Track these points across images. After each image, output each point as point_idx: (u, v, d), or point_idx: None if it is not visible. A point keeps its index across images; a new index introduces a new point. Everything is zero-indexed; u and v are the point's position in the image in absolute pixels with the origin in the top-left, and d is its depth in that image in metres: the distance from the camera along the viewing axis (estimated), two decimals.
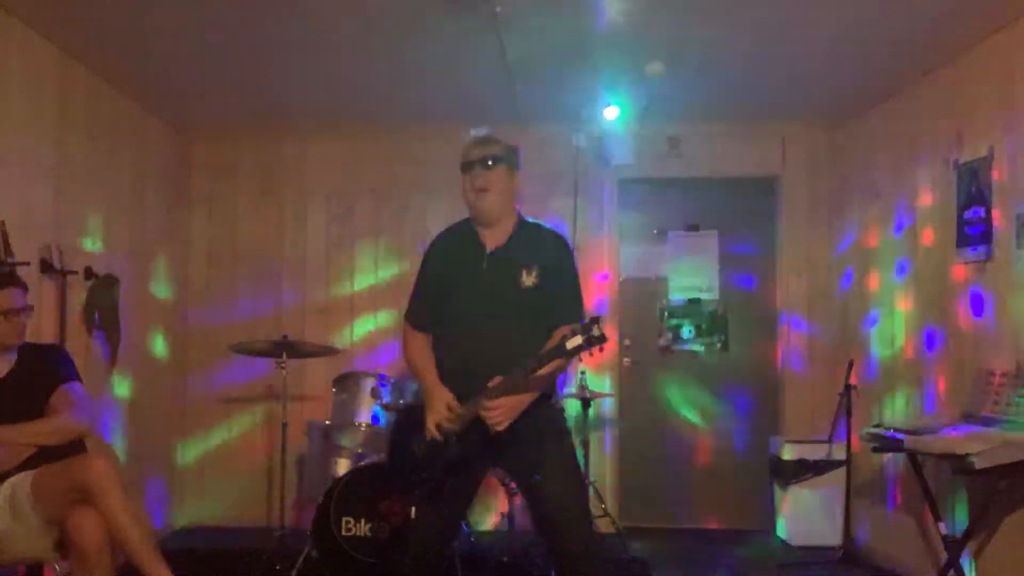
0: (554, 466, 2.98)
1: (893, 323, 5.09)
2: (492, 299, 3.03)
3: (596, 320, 2.74)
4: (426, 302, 3.19)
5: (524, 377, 2.84)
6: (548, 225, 3.23)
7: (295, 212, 6.14)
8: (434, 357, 3.12)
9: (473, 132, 3.20)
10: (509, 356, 2.88)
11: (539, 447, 2.99)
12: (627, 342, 6.15)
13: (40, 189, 4.29)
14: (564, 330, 2.81)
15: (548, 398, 3.08)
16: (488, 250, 3.10)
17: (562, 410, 3.20)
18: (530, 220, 3.21)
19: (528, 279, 3.02)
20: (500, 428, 2.87)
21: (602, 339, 2.70)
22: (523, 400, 2.90)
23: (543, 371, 2.85)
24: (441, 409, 2.97)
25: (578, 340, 2.69)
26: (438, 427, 2.98)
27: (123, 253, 5.14)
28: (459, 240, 3.18)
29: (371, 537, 4.44)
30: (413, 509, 3.10)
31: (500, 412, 2.88)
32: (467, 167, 3.10)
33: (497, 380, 2.86)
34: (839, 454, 5.36)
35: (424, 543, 3.11)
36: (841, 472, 5.34)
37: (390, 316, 6.06)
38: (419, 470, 3.06)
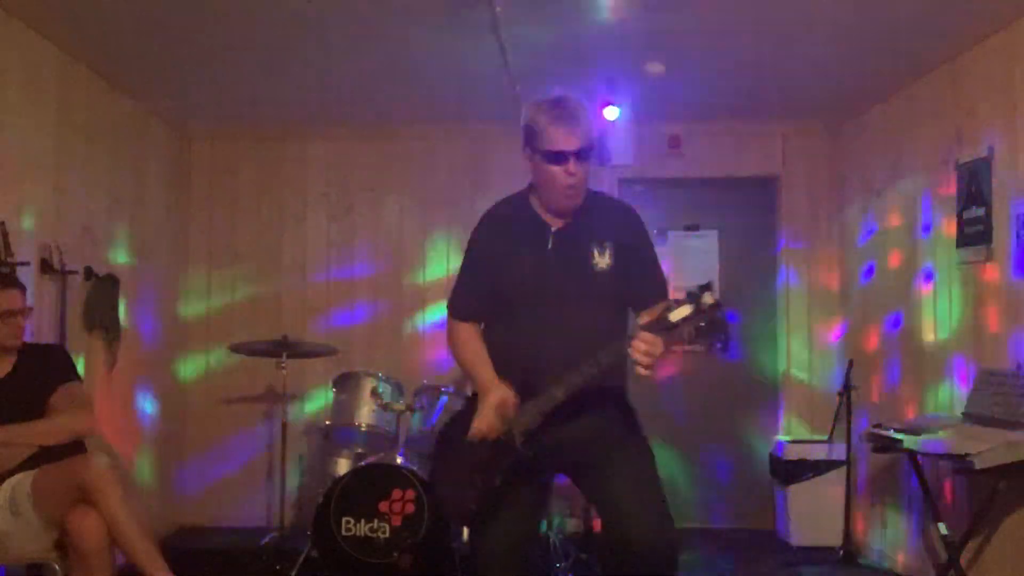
0: (627, 469, 2.57)
1: (892, 322, 5.08)
2: (560, 284, 2.62)
3: (706, 286, 2.28)
4: (475, 289, 2.76)
5: (609, 363, 2.44)
6: (615, 196, 2.83)
7: (295, 212, 6.14)
8: (492, 353, 2.70)
9: (551, 97, 2.64)
10: (582, 349, 2.48)
11: (612, 448, 2.60)
12: None
13: (40, 189, 4.29)
14: (656, 310, 2.43)
15: (618, 392, 2.71)
16: (552, 228, 2.67)
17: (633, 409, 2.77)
18: (595, 190, 2.78)
19: (601, 260, 2.63)
20: (646, 372, 2.38)
21: (716, 308, 2.26)
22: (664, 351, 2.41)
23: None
24: (490, 414, 2.56)
25: (685, 310, 2.26)
26: (480, 433, 2.58)
27: (123, 253, 5.13)
28: (516, 218, 2.74)
29: (371, 537, 4.44)
30: (465, 531, 2.76)
31: (651, 351, 2.37)
32: (557, 158, 2.57)
33: (646, 319, 2.42)
34: (839, 454, 5.36)
35: (491, 565, 2.68)
36: (841, 472, 5.34)
37: (390, 316, 6.06)
38: (474, 482, 2.62)
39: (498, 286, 2.69)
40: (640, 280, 2.66)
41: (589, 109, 2.65)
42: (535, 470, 2.63)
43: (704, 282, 2.29)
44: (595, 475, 2.60)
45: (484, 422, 2.56)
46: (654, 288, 2.67)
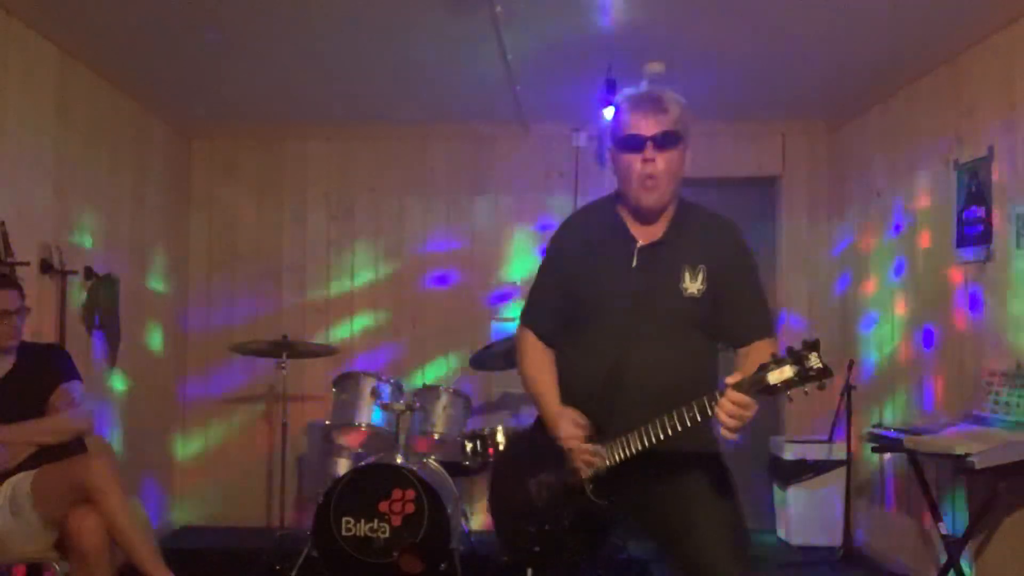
0: (713, 519, 2.33)
1: (892, 323, 5.09)
2: (645, 308, 2.32)
3: (813, 346, 1.97)
4: (550, 304, 2.49)
5: (693, 419, 2.14)
6: (714, 211, 2.48)
7: (295, 212, 6.14)
8: (559, 377, 2.47)
9: (632, 90, 2.39)
10: (667, 383, 2.27)
11: (695, 497, 2.34)
12: None
13: (40, 189, 4.29)
14: (758, 348, 2.25)
15: (709, 449, 2.40)
16: (640, 243, 2.37)
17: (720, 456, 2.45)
18: (692, 203, 2.47)
19: (693, 284, 2.33)
20: (731, 436, 2.11)
21: (825, 373, 1.96)
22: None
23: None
24: (575, 432, 2.32)
25: (787, 372, 1.98)
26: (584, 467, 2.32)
27: (123, 253, 5.13)
28: (600, 228, 2.43)
29: (371, 537, 4.44)
30: (529, 571, 2.58)
31: (745, 415, 2.07)
32: (632, 143, 2.29)
33: (738, 377, 2.09)
34: (839, 454, 5.36)
35: None
36: (841, 472, 5.33)
37: (390, 316, 6.06)
38: (539, 522, 2.42)
39: (574, 304, 2.42)
40: (734, 313, 2.35)
41: (680, 102, 2.36)
42: (603, 518, 2.41)
43: (811, 339, 2.01)
44: (678, 528, 2.33)
45: (583, 456, 2.31)
46: (751, 324, 2.35)
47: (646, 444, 2.22)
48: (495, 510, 2.63)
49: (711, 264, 2.34)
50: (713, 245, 2.38)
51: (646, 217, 2.38)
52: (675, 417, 2.16)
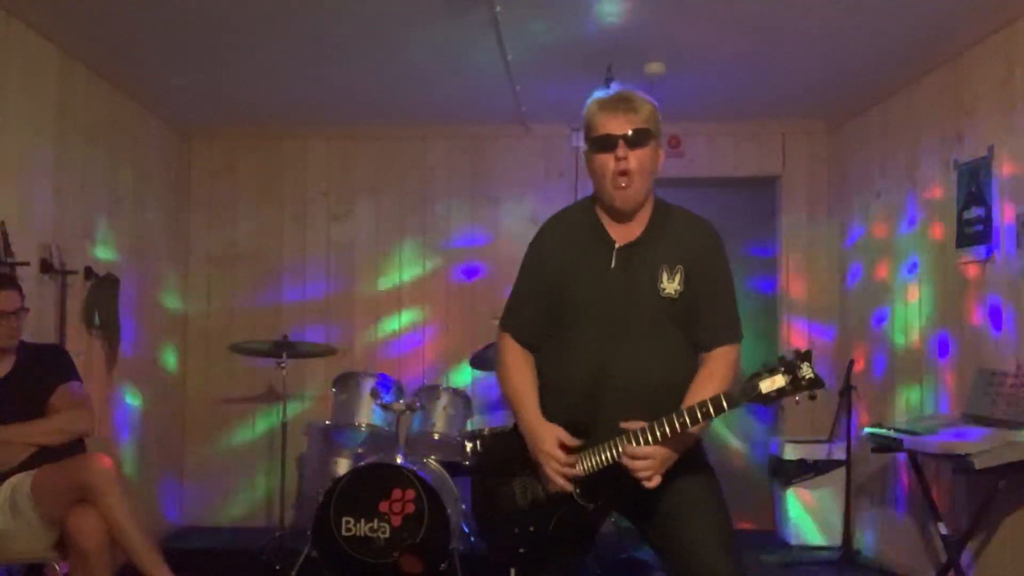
0: (700, 512, 2.34)
1: (892, 323, 5.09)
2: (622, 309, 2.35)
3: (805, 356, 2.06)
4: (530, 309, 2.49)
5: (683, 425, 2.19)
6: (693, 213, 2.49)
7: (295, 212, 6.14)
8: (538, 381, 2.48)
9: (602, 93, 2.42)
10: (650, 383, 2.32)
11: (680, 492, 2.34)
12: None
13: (40, 189, 4.29)
14: (722, 354, 2.36)
15: (692, 450, 2.42)
16: (617, 244, 2.39)
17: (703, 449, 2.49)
18: (669, 204, 2.48)
19: (671, 284, 2.34)
20: (651, 484, 2.22)
21: (816, 384, 2.05)
22: (677, 453, 2.27)
23: (705, 422, 2.20)
24: (555, 451, 2.33)
25: (779, 381, 2.05)
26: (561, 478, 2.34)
27: (123, 253, 5.13)
28: (578, 230, 2.46)
29: (371, 537, 4.44)
30: (513, 571, 2.59)
31: (651, 464, 2.21)
32: (605, 143, 2.33)
33: (640, 424, 2.22)
34: (839, 454, 5.36)
35: None
36: (841, 472, 5.34)
37: (389, 316, 6.06)
38: (524, 523, 2.43)
39: (555, 307, 2.43)
40: (703, 315, 2.38)
41: (650, 101, 2.39)
42: (590, 518, 2.41)
43: (802, 350, 2.08)
44: (667, 525, 2.35)
45: (559, 477, 2.34)
46: (718, 328, 2.41)
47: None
48: (479, 511, 2.63)
49: (688, 264, 2.36)
50: (690, 245, 2.40)
51: (622, 217, 2.41)
52: (665, 424, 2.21)
